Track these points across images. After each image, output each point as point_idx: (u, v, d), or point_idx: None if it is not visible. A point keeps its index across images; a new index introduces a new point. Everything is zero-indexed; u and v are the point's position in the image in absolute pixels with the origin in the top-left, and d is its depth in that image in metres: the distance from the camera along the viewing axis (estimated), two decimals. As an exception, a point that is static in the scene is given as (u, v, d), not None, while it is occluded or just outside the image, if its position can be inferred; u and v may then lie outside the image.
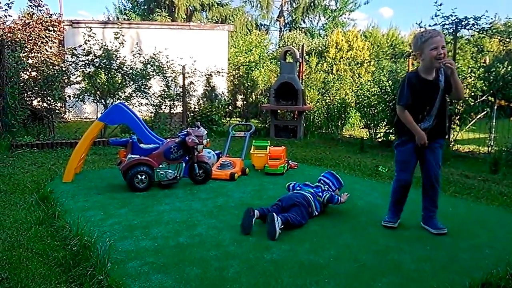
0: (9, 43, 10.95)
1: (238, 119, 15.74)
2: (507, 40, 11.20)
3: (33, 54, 11.95)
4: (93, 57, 10.58)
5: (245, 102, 15.85)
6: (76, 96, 10.91)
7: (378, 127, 12.01)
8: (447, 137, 9.52)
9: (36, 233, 3.97)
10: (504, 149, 8.39)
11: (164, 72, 11.75)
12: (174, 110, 12.46)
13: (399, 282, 3.12)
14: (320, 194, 4.79)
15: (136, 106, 11.03)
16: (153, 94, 11.55)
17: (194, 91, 13.19)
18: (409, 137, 4.14)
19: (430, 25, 10.23)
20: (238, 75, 16.15)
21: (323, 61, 21.43)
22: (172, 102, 12.26)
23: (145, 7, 32.47)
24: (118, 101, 10.52)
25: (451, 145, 9.68)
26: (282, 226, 4.04)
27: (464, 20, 9.69)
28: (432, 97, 4.05)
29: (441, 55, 3.89)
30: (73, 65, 10.69)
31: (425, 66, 4.06)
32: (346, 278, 3.18)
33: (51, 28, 13.37)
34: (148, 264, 3.35)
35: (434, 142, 4.15)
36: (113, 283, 2.88)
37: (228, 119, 15.19)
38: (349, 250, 3.72)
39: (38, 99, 10.68)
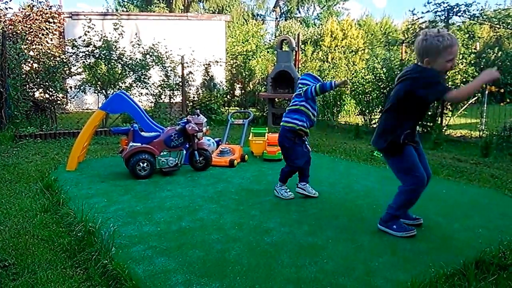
0: (10, 35, 11.00)
1: (237, 107, 15.80)
2: (497, 26, 11.27)
3: (34, 46, 11.99)
4: (93, 48, 10.61)
5: (243, 91, 15.90)
6: (77, 87, 10.98)
7: (373, 114, 12.11)
8: (439, 122, 9.66)
9: (41, 220, 4.04)
10: (494, 133, 8.56)
11: (163, 62, 11.80)
12: (174, 99, 12.53)
13: (395, 262, 3.20)
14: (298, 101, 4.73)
15: (136, 96, 11.08)
16: (152, 84, 11.60)
17: (193, 81, 13.25)
18: (404, 141, 3.63)
19: (422, 12, 10.35)
20: (236, 64, 16.18)
21: (319, 50, 21.49)
22: (171, 91, 12.33)
23: (143, -1, 32.50)
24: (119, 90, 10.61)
25: (443, 130, 9.81)
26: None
27: (455, 7, 9.79)
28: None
29: (453, 67, 3.43)
30: (74, 56, 10.73)
31: None
32: (344, 258, 3.26)
33: (51, 20, 13.42)
34: (152, 248, 3.42)
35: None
36: (118, 267, 2.94)
37: (226, 108, 15.24)
38: (346, 232, 3.80)
39: (40, 90, 10.75)
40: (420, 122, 3.77)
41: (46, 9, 13.52)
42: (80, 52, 10.66)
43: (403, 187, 3.73)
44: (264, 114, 13.44)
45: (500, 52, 9.38)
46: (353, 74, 13.50)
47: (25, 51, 10.55)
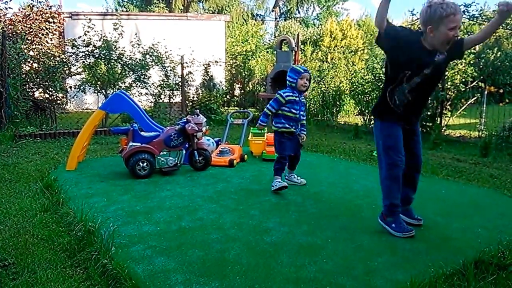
0: (10, 35, 11.01)
1: (236, 107, 15.84)
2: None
3: (34, 46, 12.01)
4: (93, 48, 10.63)
5: (242, 91, 15.92)
6: (77, 87, 10.99)
7: (372, 114, 12.11)
8: (438, 122, 9.67)
9: (41, 219, 4.04)
10: (493, 133, 8.62)
11: (163, 62, 11.81)
12: (173, 99, 12.56)
13: (395, 261, 3.20)
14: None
15: (136, 96, 11.11)
16: (152, 84, 11.62)
17: (192, 81, 13.27)
18: (394, 118, 3.72)
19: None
20: (235, 64, 16.21)
21: (318, 50, 21.52)
22: (171, 91, 12.36)
23: (143, -1, 32.52)
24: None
25: (442, 130, 9.86)
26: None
27: None
28: (420, 65, 3.52)
29: (456, 37, 3.40)
30: (74, 56, 10.76)
31: (430, 42, 3.47)
32: (343, 258, 3.26)
33: (51, 20, 13.44)
34: (151, 247, 3.42)
35: (416, 125, 3.93)
36: (117, 267, 2.94)
37: (226, 108, 15.26)
38: (346, 232, 3.80)
39: (40, 90, 10.77)
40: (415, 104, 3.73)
41: (46, 9, 13.55)
42: (80, 52, 10.69)
43: (380, 176, 3.84)
44: (264, 114, 13.44)
45: (499, 53, 9.41)
46: (352, 74, 13.52)
47: (25, 51, 10.56)
